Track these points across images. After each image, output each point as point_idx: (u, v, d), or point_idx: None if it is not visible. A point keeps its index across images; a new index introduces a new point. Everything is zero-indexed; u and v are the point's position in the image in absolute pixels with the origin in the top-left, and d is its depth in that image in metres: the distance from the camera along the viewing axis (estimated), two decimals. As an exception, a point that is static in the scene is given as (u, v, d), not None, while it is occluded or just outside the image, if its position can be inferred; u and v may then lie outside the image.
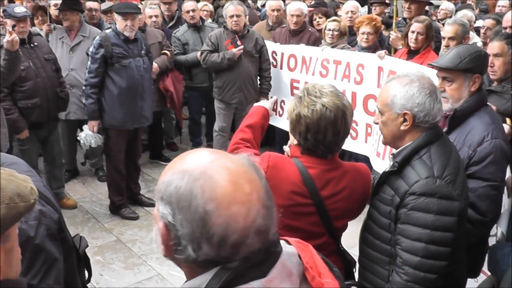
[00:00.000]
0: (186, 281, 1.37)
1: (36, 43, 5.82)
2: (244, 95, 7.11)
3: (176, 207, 1.29)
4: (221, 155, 1.37)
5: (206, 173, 1.29)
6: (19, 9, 5.63)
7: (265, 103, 3.39)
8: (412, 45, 5.98)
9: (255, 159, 1.40)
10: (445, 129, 3.34)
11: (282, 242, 1.45)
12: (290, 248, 1.47)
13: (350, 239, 3.20)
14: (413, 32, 5.95)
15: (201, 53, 7.15)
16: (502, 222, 3.49)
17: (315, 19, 8.25)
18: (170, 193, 1.30)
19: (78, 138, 6.10)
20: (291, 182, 2.66)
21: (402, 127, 2.67)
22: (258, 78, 7.31)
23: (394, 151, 2.82)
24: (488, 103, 4.17)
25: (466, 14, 7.60)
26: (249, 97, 7.13)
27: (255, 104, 3.43)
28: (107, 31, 6.01)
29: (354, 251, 3.12)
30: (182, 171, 1.32)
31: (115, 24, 6.00)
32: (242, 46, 6.89)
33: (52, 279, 1.97)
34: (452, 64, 3.27)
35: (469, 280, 4.04)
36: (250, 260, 1.29)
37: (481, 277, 3.88)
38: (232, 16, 6.91)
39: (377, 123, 2.87)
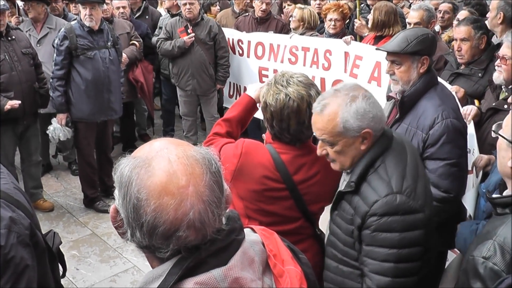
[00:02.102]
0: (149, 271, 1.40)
1: (14, 37, 5.69)
2: (197, 82, 7.18)
3: (119, 191, 1.34)
4: (174, 146, 1.37)
5: (146, 161, 1.32)
6: None
7: (252, 90, 3.24)
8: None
9: (215, 154, 1.41)
10: (397, 116, 3.45)
11: (247, 230, 1.48)
12: (254, 236, 1.49)
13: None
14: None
15: (157, 41, 7.27)
16: (468, 202, 3.58)
17: (285, 6, 8.29)
18: (117, 177, 1.35)
19: (47, 132, 6.04)
20: (263, 167, 2.71)
21: (363, 147, 2.46)
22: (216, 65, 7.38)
23: None
24: (454, 86, 4.28)
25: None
26: (204, 84, 7.24)
27: (246, 92, 3.32)
28: (72, 22, 5.99)
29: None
30: (131, 157, 1.35)
31: (80, 15, 5.95)
32: (193, 34, 6.97)
33: (23, 286, 1.95)
34: (399, 48, 3.36)
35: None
36: (211, 247, 1.31)
37: (451, 255, 3.98)
38: (185, 4, 6.98)
39: (323, 154, 2.57)
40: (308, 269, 1.55)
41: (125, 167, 1.33)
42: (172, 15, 7.81)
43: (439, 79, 3.74)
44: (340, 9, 6.54)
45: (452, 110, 3.31)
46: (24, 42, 5.85)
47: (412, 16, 5.68)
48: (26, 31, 6.69)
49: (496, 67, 3.91)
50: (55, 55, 5.88)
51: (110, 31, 6.20)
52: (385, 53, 5.24)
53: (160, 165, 1.30)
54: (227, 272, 1.31)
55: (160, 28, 7.77)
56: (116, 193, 1.35)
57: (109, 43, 6.08)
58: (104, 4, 6.86)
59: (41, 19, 6.81)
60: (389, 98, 3.62)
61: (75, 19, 6.08)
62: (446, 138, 3.23)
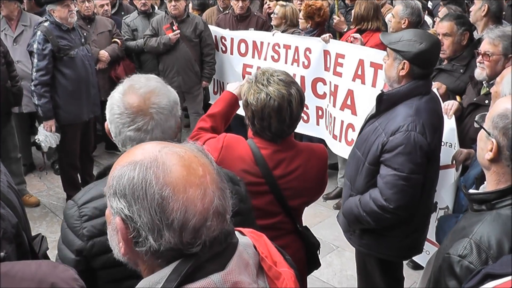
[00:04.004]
0: (144, 279, 1.36)
1: None
2: (183, 79, 7.16)
3: (131, 198, 1.28)
4: (167, 144, 1.37)
5: (157, 160, 1.30)
6: None
7: (233, 88, 3.35)
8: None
9: (204, 146, 1.41)
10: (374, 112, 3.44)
11: (236, 233, 1.47)
12: (244, 239, 1.48)
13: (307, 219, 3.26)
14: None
15: (143, 37, 7.20)
16: (448, 195, 3.63)
17: (266, 2, 8.27)
18: (123, 185, 1.29)
19: (37, 141, 5.87)
20: (242, 161, 2.73)
21: None
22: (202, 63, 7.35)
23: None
24: (436, 82, 4.30)
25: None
26: (189, 81, 7.22)
27: (227, 87, 3.42)
28: (45, 24, 5.69)
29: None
30: (131, 163, 1.31)
31: (50, 16, 5.71)
32: (178, 31, 6.95)
33: None
34: (387, 40, 3.36)
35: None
36: (210, 249, 1.30)
37: (432, 249, 4.02)
38: (171, 1, 6.96)
39: None
40: (295, 270, 1.55)
41: (132, 173, 1.29)
42: (143, 14, 7.67)
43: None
44: (309, 8, 6.55)
45: (421, 125, 3.19)
46: None
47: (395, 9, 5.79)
48: (2, 31, 6.54)
49: (478, 64, 3.94)
50: (35, 60, 5.59)
51: (77, 27, 6.08)
52: (368, 51, 5.39)
53: (173, 161, 1.30)
54: (226, 277, 1.30)
55: (128, 26, 7.59)
56: (122, 204, 1.30)
57: (82, 40, 6.00)
58: (86, 1, 6.82)
59: (14, 16, 6.60)
60: None
61: (46, 21, 5.76)
62: (402, 149, 3.14)
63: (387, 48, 3.38)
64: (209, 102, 8.05)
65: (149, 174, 1.28)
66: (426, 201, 3.49)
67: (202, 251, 1.29)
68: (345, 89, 5.69)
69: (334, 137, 5.91)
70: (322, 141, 6.08)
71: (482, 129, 2.13)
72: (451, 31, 4.59)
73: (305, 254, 3.02)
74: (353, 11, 6.18)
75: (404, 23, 5.52)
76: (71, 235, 2.04)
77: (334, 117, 5.90)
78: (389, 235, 3.46)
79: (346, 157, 5.72)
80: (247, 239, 1.49)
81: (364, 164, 3.37)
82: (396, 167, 3.16)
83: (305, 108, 6.15)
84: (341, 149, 5.78)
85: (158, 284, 1.28)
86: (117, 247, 1.37)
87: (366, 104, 5.04)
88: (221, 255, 1.33)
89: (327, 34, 6.02)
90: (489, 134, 2.06)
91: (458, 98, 4.39)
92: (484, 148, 2.10)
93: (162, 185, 1.26)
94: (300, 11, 6.97)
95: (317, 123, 6.33)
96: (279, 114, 2.66)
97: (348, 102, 5.64)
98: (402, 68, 3.27)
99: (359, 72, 5.50)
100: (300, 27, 6.76)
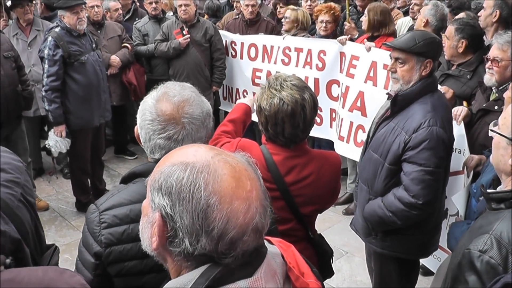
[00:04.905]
0: (171, 280, 1.36)
1: None
2: (193, 83, 6.92)
3: (176, 198, 1.28)
4: (221, 151, 1.37)
5: (209, 166, 1.29)
6: None
7: (246, 101, 3.43)
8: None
9: (253, 160, 1.41)
10: (389, 113, 3.47)
11: (265, 242, 1.46)
12: (273, 248, 1.48)
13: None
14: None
15: (154, 42, 7.21)
16: (459, 201, 3.61)
17: (277, 8, 8.30)
18: (170, 184, 1.29)
19: (47, 146, 5.89)
20: None
21: None
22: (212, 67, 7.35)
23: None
24: (443, 86, 4.31)
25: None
26: (199, 86, 7.03)
27: (238, 101, 3.48)
28: (56, 29, 5.73)
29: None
30: (183, 163, 1.31)
31: (61, 21, 5.74)
32: (188, 36, 6.94)
33: None
34: (406, 45, 3.36)
35: (431, 259, 4.17)
36: (240, 259, 1.29)
37: (443, 255, 4.01)
38: (181, 6, 6.97)
39: None
40: (322, 283, 1.55)
41: (182, 173, 1.29)
42: (154, 19, 7.72)
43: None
44: (332, 11, 6.53)
45: (441, 120, 3.29)
46: (5, 45, 5.64)
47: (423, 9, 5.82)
48: (14, 36, 6.59)
49: (487, 70, 3.94)
50: (46, 66, 5.62)
51: (88, 32, 6.11)
52: (382, 53, 5.37)
53: (225, 170, 1.29)
54: (253, 284, 1.30)
55: (139, 31, 7.62)
56: (165, 202, 1.29)
57: (93, 45, 6.02)
58: (96, 7, 6.85)
59: (31, 20, 6.70)
60: (389, 96, 3.60)
61: (56, 26, 5.79)
62: (427, 144, 3.21)
63: (402, 54, 3.40)
64: (219, 107, 8.06)
65: (199, 179, 1.27)
66: (442, 197, 3.57)
67: (234, 262, 1.29)
68: (356, 91, 5.69)
69: (341, 138, 5.90)
70: (330, 143, 6.10)
71: (498, 136, 2.11)
72: (449, 35, 4.64)
73: (317, 261, 3.02)
74: (366, 18, 6.06)
75: (424, 21, 5.57)
76: (91, 239, 2.07)
77: (342, 118, 5.89)
78: (410, 234, 3.52)
79: (353, 158, 5.77)
80: (275, 248, 1.48)
81: (384, 165, 3.42)
82: (422, 162, 3.23)
83: (318, 111, 6.15)
84: (348, 150, 5.76)
85: (186, 286, 1.29)
86: (149, 241, 1.37)
87: (377, 106, 5.05)
88: (250, 262, 1.33)
89: (344, 36, 6.03)
90: (510, 140, 2.05)
91: (465, 103, 4.38)
92: (505, 154, 2.08)
93: (210, 192, 1.26)
94: (310, 15, 7.00)
95: (330, 126, 6.32)
96: (292, 119, 2.66)
97: (358, 103, 5.63)
98: (425, 68, 3.36)
99: (371, 74, 5.50)
100: (323, 33, 6.65)
